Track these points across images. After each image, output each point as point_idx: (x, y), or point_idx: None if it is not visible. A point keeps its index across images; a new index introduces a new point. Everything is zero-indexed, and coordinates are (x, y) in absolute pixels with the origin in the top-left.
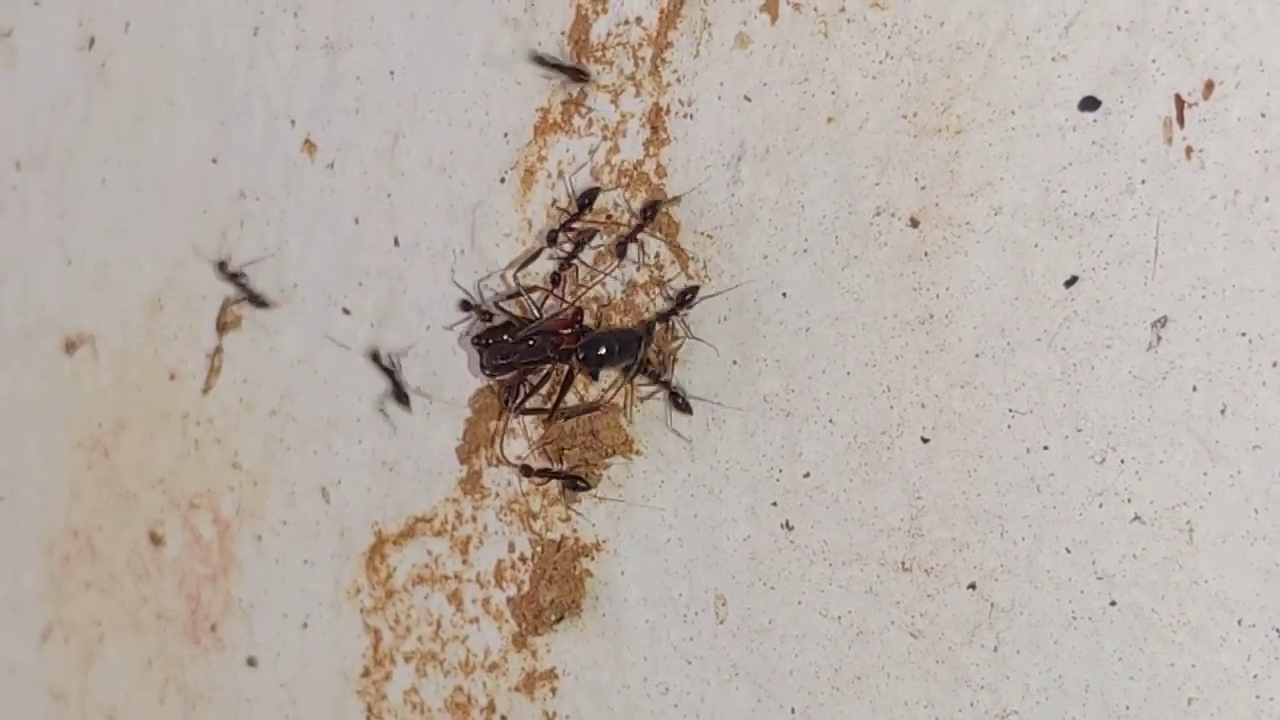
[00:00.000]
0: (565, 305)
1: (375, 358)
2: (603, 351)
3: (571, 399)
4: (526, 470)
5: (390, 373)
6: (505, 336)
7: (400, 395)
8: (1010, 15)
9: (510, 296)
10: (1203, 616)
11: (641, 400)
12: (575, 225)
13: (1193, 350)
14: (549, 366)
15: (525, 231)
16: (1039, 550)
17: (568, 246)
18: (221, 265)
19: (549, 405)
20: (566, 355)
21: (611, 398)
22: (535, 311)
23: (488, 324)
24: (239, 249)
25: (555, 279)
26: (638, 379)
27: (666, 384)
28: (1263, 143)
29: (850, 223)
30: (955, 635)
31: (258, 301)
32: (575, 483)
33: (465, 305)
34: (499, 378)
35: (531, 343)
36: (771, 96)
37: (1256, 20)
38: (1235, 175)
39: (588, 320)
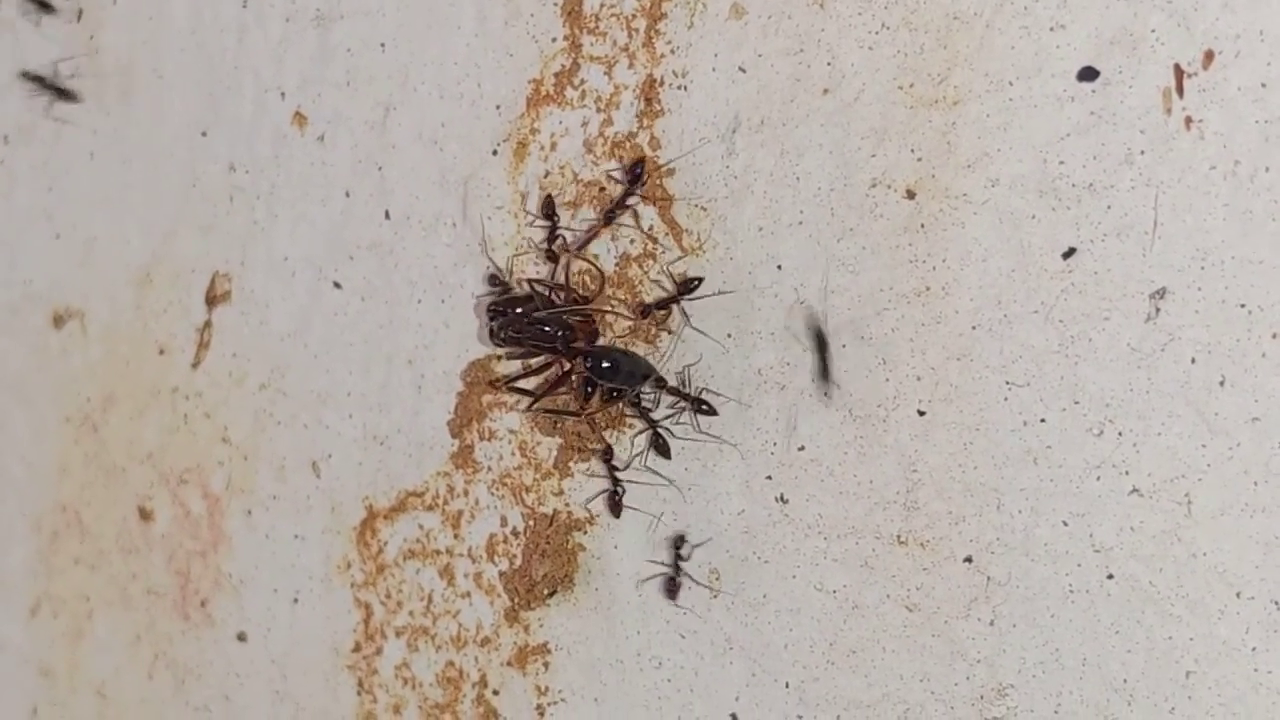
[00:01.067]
0: (590, 302)
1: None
2: (606, 366)
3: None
4: (660, 383)
5: None
6: (520, 312)
7: None
8: None
9: (534, 281)
10: (1201, 589)
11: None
12: (628, 203)
13: (1191, 322)
14: (553, 357)
15: (517, 204)
16: (1036, 523)
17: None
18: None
19: (535, 391)
20: (574, 354)
21: (592, 412)
22: (557, 299)
23: (505, 295)
24: (229, 222)
25: (550, 255)
26: (627, 411)
27: (654, 423)
28: (1263, 113)
29: (846, 194)
30: (951, 609)
31: (65, 96)
32: (701, 406)
33: (493, 280)
34: (503, 350)
35: (547, 328)
36: (766, 67)
37: None
38: (1235, 146)
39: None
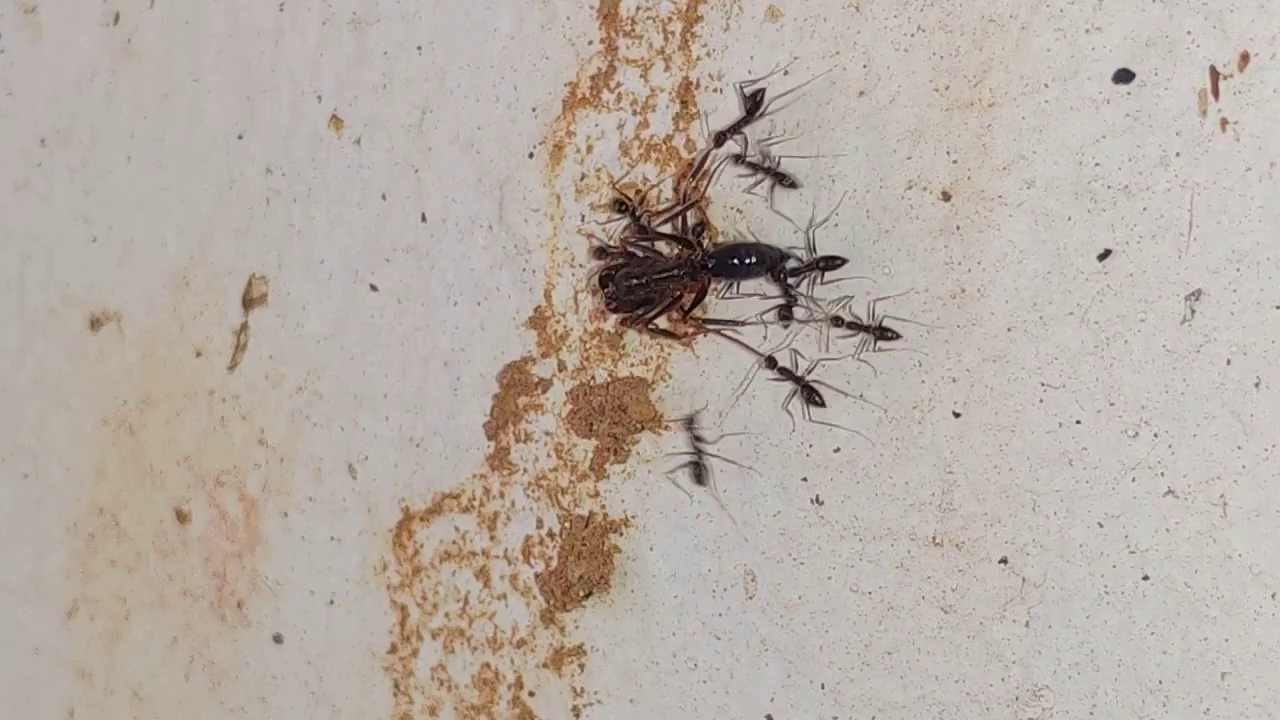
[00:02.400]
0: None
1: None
2: (735, 262)
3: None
4: (837, 320)
5: None
6: (626, 267)
7: None
8: None
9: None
10: (1236, 591)
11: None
12: (743, 129)
13: (1227, 324)
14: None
15: (554, 206)
16: (1071, 525)
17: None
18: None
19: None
20: (696, 271)
21: (740, 323)
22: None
23: (605, 264)
24: (266, 225)
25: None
26: (770, 376)
27: (799, 380)
28: None
29: (881, 196)
30: (987, 610)
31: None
32: (885, 333)
33: (600, 252)
34: (627, 315)
35: (659, 265)
36: (802, 70)
37: None
38: (1270, 147)
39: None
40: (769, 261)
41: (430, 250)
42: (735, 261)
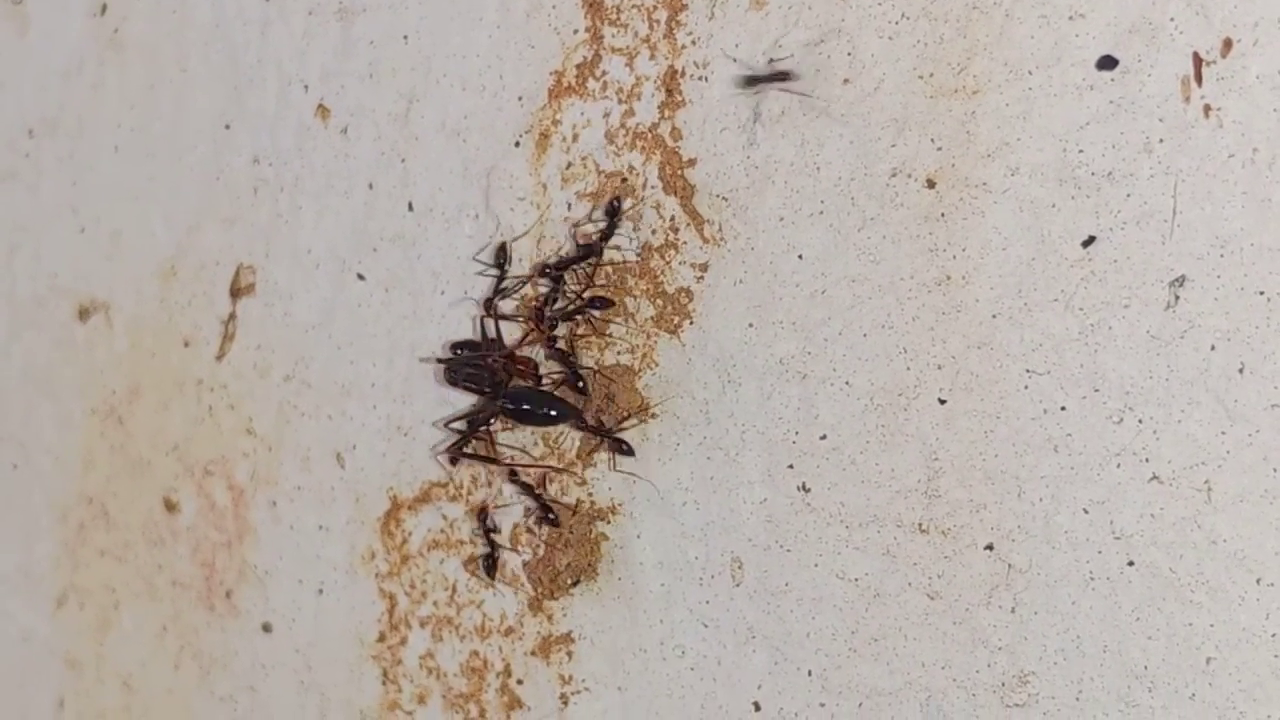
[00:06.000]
0: (526, 345)
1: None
2: (525, 409)
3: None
4: (581, 423)
5: None
6: (463, 352)
7: None
8: None
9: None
10: (1221, 576)
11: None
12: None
13: (1211, 309)
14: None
15: (540, 195)
16: (1057, 511)
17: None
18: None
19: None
20: (496, 395)
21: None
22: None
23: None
24: (253, 214)
25: (538, 314)
26: (583, 434)
27: (608, 434)
28: None
29: (866, 184)
30: (973, 596)
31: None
32: (621, 446)
33: (488, 303)
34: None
35: (474, 370)
36: (785, 57)
37: None
38: (1254, 133)
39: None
40: (563, 417)
41: (417, 239)
42: (526, 408)
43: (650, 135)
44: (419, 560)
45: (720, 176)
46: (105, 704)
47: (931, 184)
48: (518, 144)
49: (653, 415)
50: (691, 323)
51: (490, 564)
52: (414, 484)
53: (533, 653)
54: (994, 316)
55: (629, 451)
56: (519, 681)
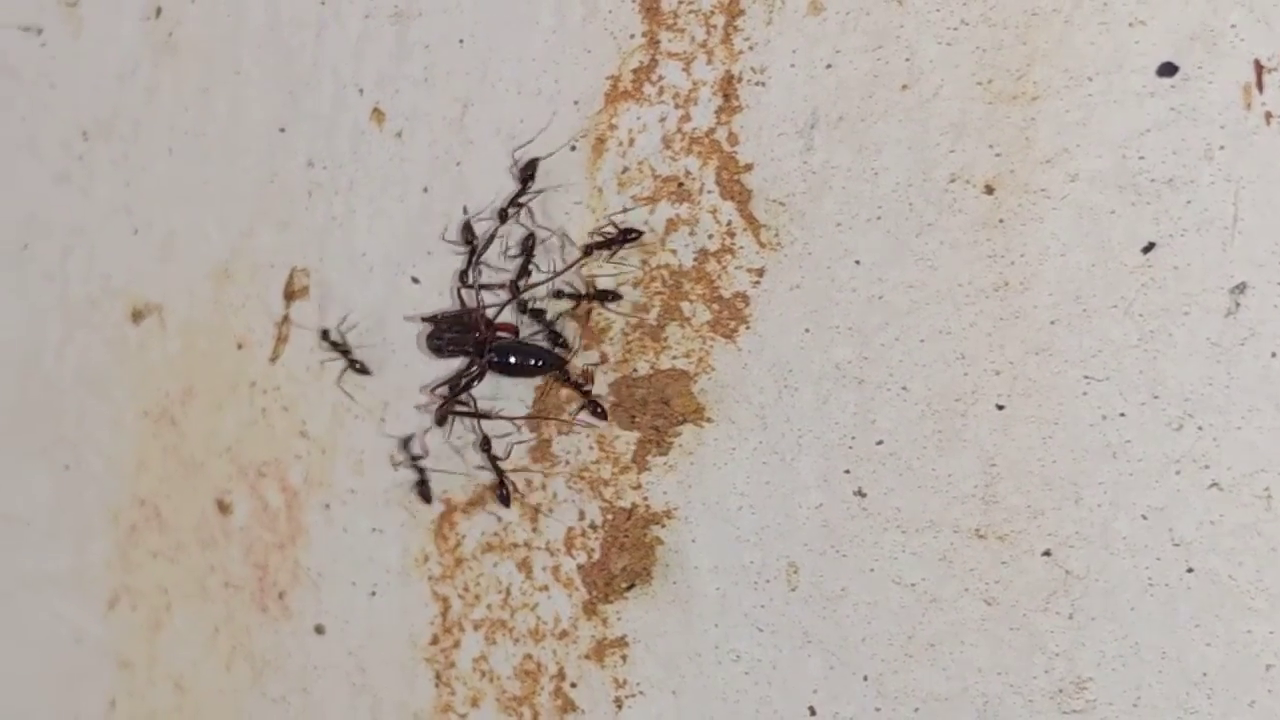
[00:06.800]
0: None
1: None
2: (512, 360)
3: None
4: (563, 374)
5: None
6: (442, 320)
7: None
8: None
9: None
10: None
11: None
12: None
13: (1272, 316)
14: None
15: (595, 199)
16: (1115, 517)
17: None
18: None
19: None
20: (481, 352)
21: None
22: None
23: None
24: (308, 217)
25: (514, 283)
26: (563, 389)
27: (586, 392)
28: None
29: (924, 190)
30: (1030, 602)
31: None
32: (597, 409)
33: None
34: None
35: (457, 334)
36: (845, 63)
37: None
38: None
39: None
40: (549, 365)
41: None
42: (513, 360)
43: (707, 140)
44: (472, 563)
45: (777, 181)
46: (157, 705)
47: (990, 190)
48: (573, 148)
49: (708, 419)
50: (748, 328)
51: (424, 489)
52: (468, 487)
53: (587, 656)
54: (1053, 322)
55: (603, 415)
56: (573, 685)
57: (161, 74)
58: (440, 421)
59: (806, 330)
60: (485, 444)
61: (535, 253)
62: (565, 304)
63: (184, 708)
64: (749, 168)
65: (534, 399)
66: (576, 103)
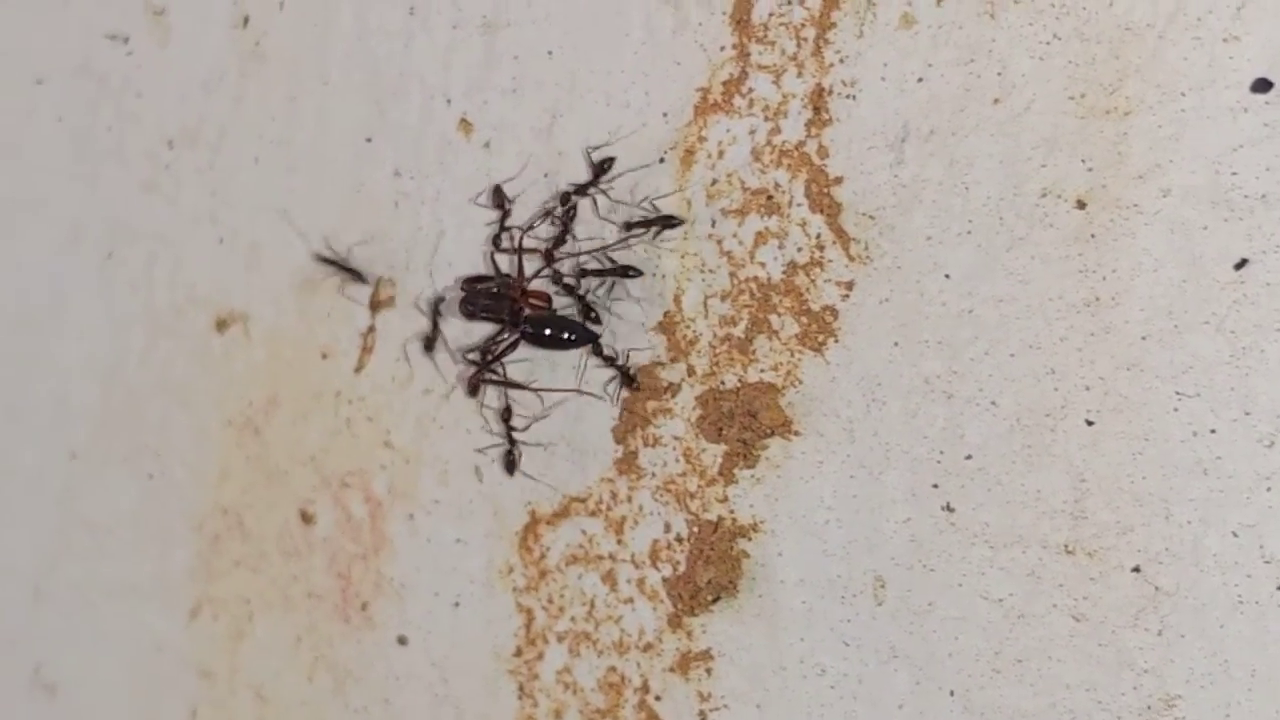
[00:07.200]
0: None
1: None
2: (547, 333)
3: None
4: (597, 349)
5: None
6: (479, 286)
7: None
8: None
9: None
10: None
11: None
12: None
13: None
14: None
15: (684, 211)
16: (1205, 534)
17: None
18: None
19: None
20: (516, 321)
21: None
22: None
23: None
24: (395, 227)
25: (550, 251)
26: (593, 361)
27: (620, 366)
28: None
29: (1015, 204)
30: (1119, 618)
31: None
32: (631, 382)
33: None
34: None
35: (491, 301)
36: (936, 77)
37: None
38: None
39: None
40: (582, 340)
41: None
42: (547, 333)
43: (797, 153)
44: (557, 575)
45: (867, 195)
46: (238, 714)
47: (1082, 205)
48: (662, 160)
49: (795, 433)
50: (836, 341)
51: (510, 460)
52: (553, 499)
53: (671, 669)
54: (1144, 338)
55: (636, 386)
56: (657, 698)
57: (248, 83)
58: (472, 391)
59: (895, 344)
60: (506, 414)
61: (573, 224)
62: (591, 280)
63: (265, 717)
64: (839, 181)
65: (620, 411)
66: (665, 115)
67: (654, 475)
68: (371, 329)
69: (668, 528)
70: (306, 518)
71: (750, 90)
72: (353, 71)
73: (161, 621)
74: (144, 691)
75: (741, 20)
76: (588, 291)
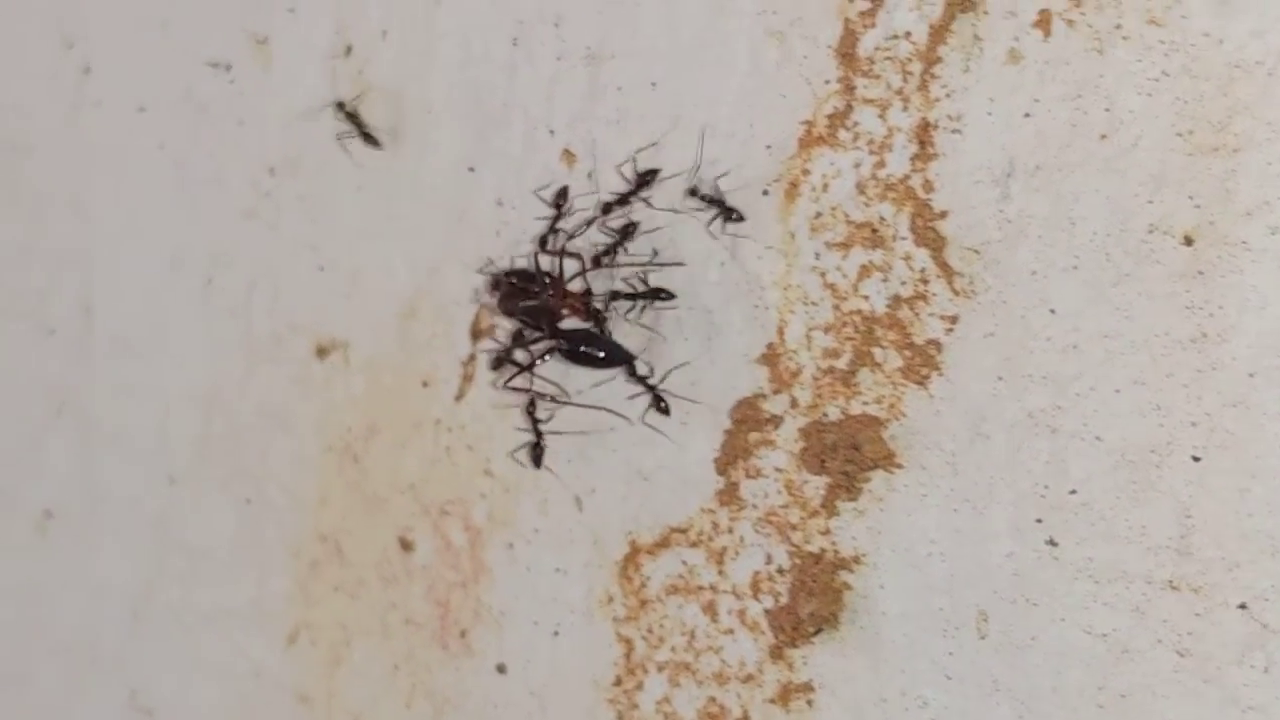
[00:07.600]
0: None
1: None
2: (582, 350)
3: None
4: (631, 370)
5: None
6: (519, 284)
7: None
8: None
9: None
10: None
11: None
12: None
13: None
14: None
15: (788, 243)
16: None
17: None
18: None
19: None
20: (554, 333)
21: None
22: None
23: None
24: (495, 256)
25: (597, 258)
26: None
27: (653, 388)
28: None
29: (1122, 240)
30: (1224, 655)
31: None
32: (660, 403)
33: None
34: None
35: (530, 305)
36: (1043, 112)
37: None
38: None
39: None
40: (616, 360)
41: (661, 284)
42: (582, 350)
43: (901, 187)
44: (657, 605)
45: (972, 229)
46: None
47: (1189, 241)
48: (766, 192)
49: (899, 466)
50: (940, 374)
51: (537, 453)
52: (654, 529)
53: (772, 700)
54: (1251, 375)
55: (666, 410)
56: None
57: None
58: (495, 366)
59: (1000, 378)
60: (531, 405)
61: (630, 239)
62: (623, 304)
63: None
64: (944, 215)
65: (722, 441)
66: (769, 147)
67: (755, 507)
68: (472, 357)
69: (769, 559)
70: (405, 545)
71: (855, 124)
72: (455, 101)
73: (259, 647)
74: (240, 717)
75: (847, 54)
76: (615, 312)
